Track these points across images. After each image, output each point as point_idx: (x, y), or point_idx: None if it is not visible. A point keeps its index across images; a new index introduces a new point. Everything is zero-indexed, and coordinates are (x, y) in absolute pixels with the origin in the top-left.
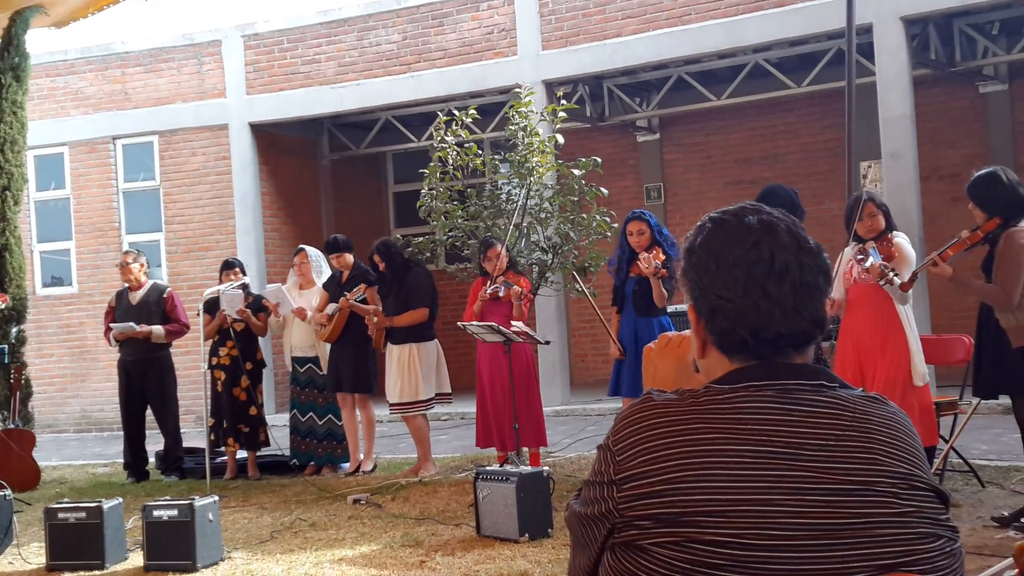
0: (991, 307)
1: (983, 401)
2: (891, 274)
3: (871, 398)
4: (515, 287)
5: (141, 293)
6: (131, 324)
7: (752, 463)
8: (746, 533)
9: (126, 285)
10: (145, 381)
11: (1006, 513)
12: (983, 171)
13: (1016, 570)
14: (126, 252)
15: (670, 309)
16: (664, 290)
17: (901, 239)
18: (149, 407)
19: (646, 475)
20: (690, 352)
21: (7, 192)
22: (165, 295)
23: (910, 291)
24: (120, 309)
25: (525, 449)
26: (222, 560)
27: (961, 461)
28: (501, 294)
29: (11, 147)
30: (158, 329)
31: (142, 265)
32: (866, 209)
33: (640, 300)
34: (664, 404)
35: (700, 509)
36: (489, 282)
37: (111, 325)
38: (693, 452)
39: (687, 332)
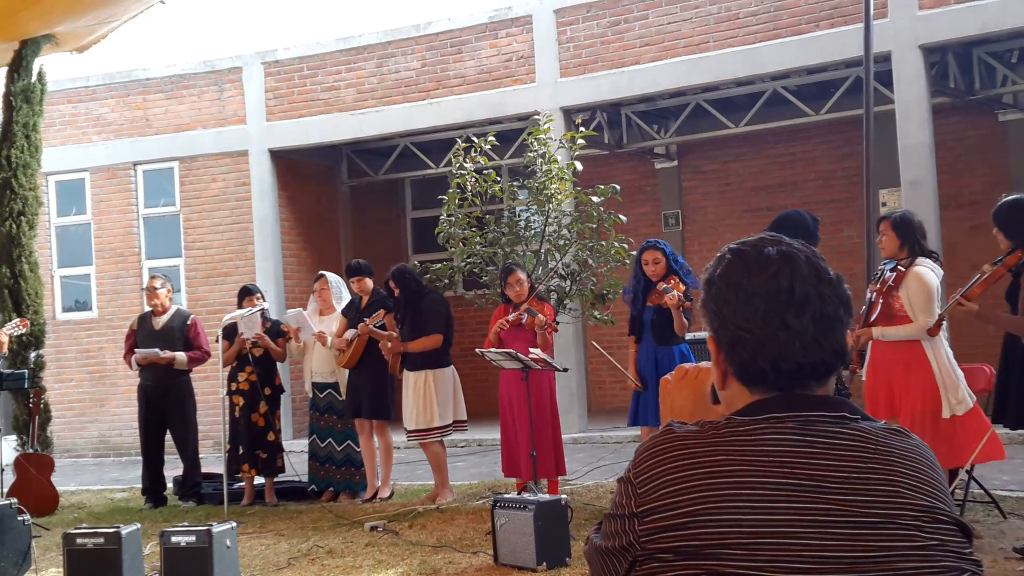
0: (1016, 337)
1: (1010, 431)
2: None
3: (893, 430)
4: (539, 316)
5: (165, 318)
6: (156, 350)
7: (774, 495)
8: (768, 566)
9: (148, 309)
10: (165, 406)
11: None
12: (1010, 197)
13: None
14: (154, 277)
15: (689, 337)
16: (684, 320)
17: (921, 269)
18: (169, 432)
19: (668, 507)
20: (708, 383)
21: (22, 217)
22: (189, 322)
23: (940, 325)
24: (143, 333)
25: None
26: None
27: (982, 492)
28: (524, 320)
29: (24, 171)
30: (181, 356)
31: (168, 291)
32: (880, 227)
33: (658, 329)
34: (685, 436)
35: (722, 542)
36: (513, 310)
37: (136, 350)
38: (715, 484)
39: (704, 363)
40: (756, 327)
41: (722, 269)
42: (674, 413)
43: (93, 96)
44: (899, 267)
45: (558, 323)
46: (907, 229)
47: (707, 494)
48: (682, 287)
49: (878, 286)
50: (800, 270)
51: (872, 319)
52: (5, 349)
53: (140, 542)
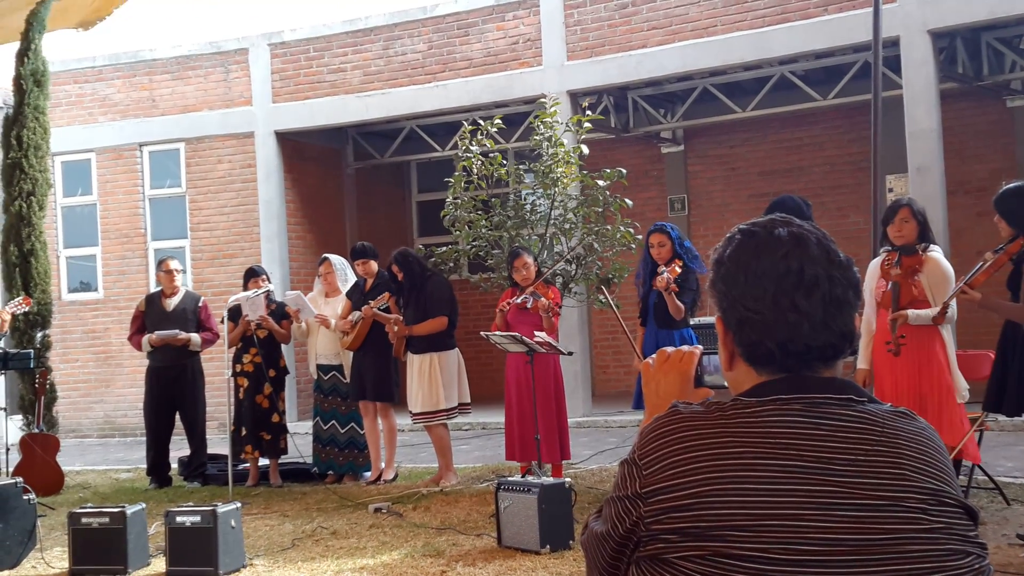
0: (1016, 324)
1: (1008, 418)
2: (896, 342)
3: (900, 413)
4: (543, 299)
5: (176, 300)
6: (176, 331)
7: (780, 477)
8: (774, 548)
9: (158, 290)
10: (176, 387)
11: None
12: (1011, 185)
13: None
14: (170, 258)
15: (694, 322)
16: (680, 303)
17: (939, 255)
18: (178, 413)
19: (674, 488)
20: (691, 367)
21: (32, 197)
22: (201, 303)
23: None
24: (153, 315)
25: None
26: (244, 567)
27: (987, 478)
28: (529, 305)
29: (35, 152)
30: (196, 337)
31: (180, 272)
32: (900, 214)
33: (661, 312)
34: (691, 417)
35: (728, 523)
36: (519, 293)
37: (156, 332)
38: (721, 466)
39: (685, 347)
40: (765, 308)
41: (732, 249)
42: (660, 397)
43: (99, 76)
44: (919, 253)
45: (561, 307)
46: (924, 215)
47: (713, 475)
48: (677, 271)
49: (899, 270)
50: (810, 252)
51: (902, 304)
52: (7, 327)
53: (145, 522)
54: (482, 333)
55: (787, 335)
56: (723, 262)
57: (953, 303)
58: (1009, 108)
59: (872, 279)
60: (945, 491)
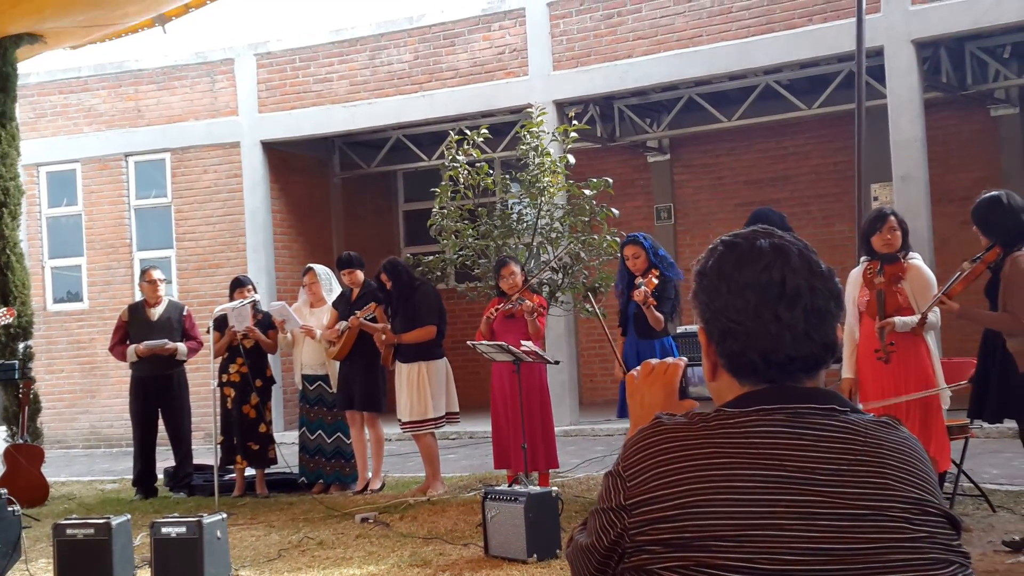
0: (996, 332)
1: (991, 425)
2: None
3: (882, 423)
4: (527, 302)
5: (160, 310)
6: (164, 341)
7: (763, 488)
8: (758, 558)
9: (140, 300)
10: (162, 397)
11: (1017, 538)
12: (986, 195)
13: None
14: (153, 267)
15: (680, 330)
16: (658, 315)
17: (916, 261)
18: (163, 423)
19: (658, 499)
20: (676, 378)
21: (3, 208)
22: (185, 312)
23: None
24: (137, 325)
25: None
26: None
27: (972, 485)
28: (515, 308)
29: (3, 161)
30: (182, 346)
31: (163, 282)
32: (888, 223)
33: (640, 323)
34: (675, 428)
35: (712, 534)
36: (505, 301)
37: (144, 342)
38: (705, 476)
39: (670, 359)
40: (747, 319)
41: (714, 261)
42: (644, 408)
43: (85, 87)
44: (901, 260)
45: (547, 308)
46: (905, 223)
47: (697, 486)
48: (654, 282)
49: (882, 279)
50: (792, 263)
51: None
52: None
53: (130, 533)
54: (469, 343)
55: (769, 346)
56: (705, 273)
57: (936, 311)
58: (993, 117)
59: (854, 288)
60: (928, 500)
